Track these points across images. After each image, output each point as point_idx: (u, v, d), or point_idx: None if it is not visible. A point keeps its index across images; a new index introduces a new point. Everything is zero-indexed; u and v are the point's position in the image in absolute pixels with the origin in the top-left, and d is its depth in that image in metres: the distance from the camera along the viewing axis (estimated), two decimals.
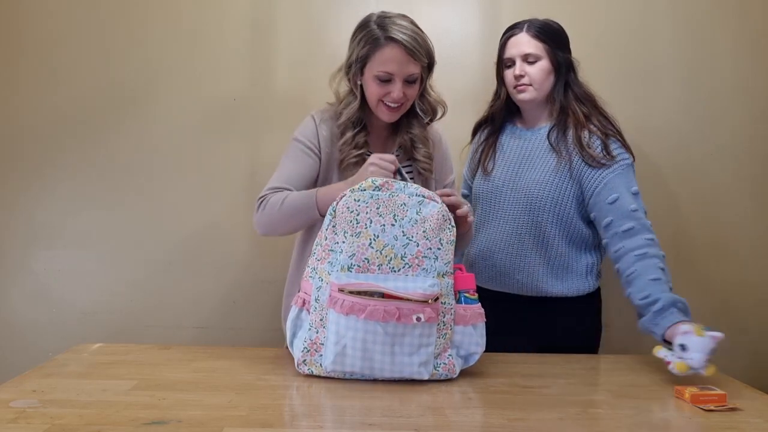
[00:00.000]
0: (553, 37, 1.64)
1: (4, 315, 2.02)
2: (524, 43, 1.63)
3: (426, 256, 1.23)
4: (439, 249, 1.24)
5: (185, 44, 2.01)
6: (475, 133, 1.83)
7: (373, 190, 1.24)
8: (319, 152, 1.51)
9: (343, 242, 1.23)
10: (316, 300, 1.25)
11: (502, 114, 1.74)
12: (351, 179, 1.38)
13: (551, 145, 1.63)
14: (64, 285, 2.02)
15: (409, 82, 1.46)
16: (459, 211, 1.32)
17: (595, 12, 2.00)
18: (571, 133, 1.61)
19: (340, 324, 1.20)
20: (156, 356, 1.41)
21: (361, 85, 1.50)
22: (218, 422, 1.01)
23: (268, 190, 1.47)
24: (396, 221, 1.23)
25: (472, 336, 1.28)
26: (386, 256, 1.22)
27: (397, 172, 1.36)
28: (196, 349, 1.50)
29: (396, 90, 1.44)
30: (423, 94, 1.53)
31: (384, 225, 1.23)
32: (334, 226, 1.25)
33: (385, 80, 1.44)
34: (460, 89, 1.95)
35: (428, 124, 1.57)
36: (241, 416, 1.04)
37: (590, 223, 1.62)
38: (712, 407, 1.13)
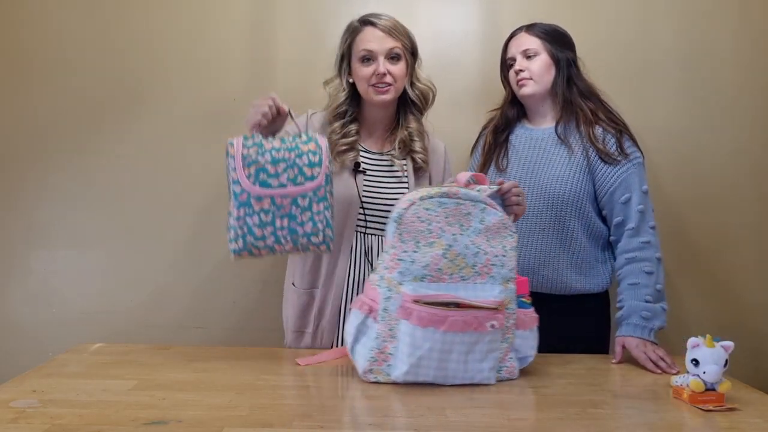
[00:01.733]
0: (552, 35, 1.67)
1: (4, 315, 2.02)
2: (523, 42, 1.67)
3: (494, 264, 1.25)
4: (503, 256, 1.26)
5: (185, 44, 2.01)
6: (478, 137, 1.82)
7: (440, 197, 1.25)
8: None
9: (415, 252, 1.23)
10: (384, 310, 1.23)
11: (510, 115, 1.75)
12: None
13: (559, 137, 1.65)
14: (64, 285, 2.01)
15: (391, 58, 1.52)
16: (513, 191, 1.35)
17: (595, 11, 2.00)
18: (582, 129, 1.62)
19: (416, 336, 1.19)
20: (156, 356, 1.41)
21: (353, 83, 1.56)
22: (218, 422, 1.01)
23: None
24: (463, 231, 1.24)
25: (529, 339, 1.31)
26: (458, 266, 1.23)
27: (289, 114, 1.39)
28: (196, 349, 1.50)
29: (380, 66, 1.50)
30: (412, 82, 1.58)
31: (455, 234, 1.24)
32: (400, 234, 1.23)
33: (368, 59, 1.52)
34: (460, 89, 1.95)
35: (421, 114, 1.62)
36: (241, 416, 1.04)
37: (604, 218, 1.64)
38: (710, 407, 1.13)
